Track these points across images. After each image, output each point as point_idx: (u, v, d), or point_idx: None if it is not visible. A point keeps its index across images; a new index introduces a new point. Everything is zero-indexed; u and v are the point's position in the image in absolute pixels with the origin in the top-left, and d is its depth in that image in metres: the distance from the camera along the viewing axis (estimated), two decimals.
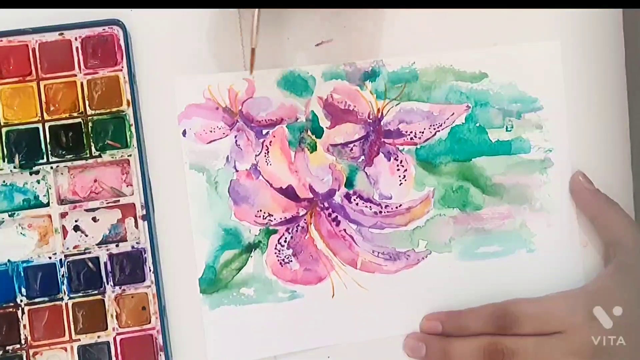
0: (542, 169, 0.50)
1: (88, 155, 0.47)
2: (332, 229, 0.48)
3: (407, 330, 0.48)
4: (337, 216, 0.48)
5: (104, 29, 0.47)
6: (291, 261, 0.48)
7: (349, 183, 0.49)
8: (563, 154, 0.50)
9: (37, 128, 0.46)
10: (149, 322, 0.47)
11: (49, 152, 0.46)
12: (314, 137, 0.48)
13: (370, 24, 0.48)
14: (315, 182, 0.48)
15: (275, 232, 0.48)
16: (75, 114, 0.47)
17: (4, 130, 0.46)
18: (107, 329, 0.47)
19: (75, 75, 0.47)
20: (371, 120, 0.49)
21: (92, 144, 0.47)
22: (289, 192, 0.48)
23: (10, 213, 0.46)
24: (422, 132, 0.49)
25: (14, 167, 0.46)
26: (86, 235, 0.47)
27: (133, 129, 0.47)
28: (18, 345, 0.46)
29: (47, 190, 0.47)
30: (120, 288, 0.47)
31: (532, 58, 0.50)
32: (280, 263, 0.48)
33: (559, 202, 0.50)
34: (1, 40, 0.46)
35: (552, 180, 0.50)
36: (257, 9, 0.43)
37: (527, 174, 0.49)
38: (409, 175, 0.49)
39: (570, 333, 0.45)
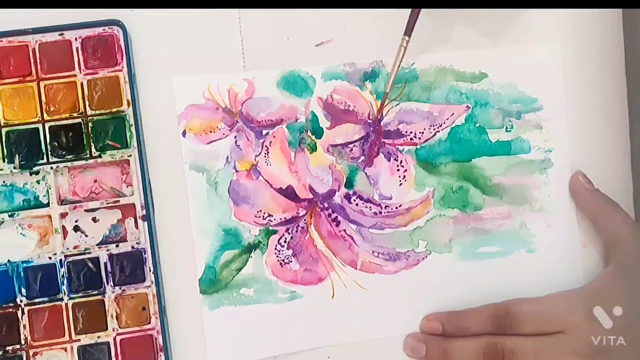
0: (542, 169, 0.50)
1: (88, 156, 0.47)
2: (332, 229, 0.48)
3: (407, 331, 0.48)
4: (337, 216, 0.48)
5: (104, 29, 0.47)
6: (291, 261, 0.48)
7: (349, 183, 0.49)
8: (563, 154, 0.50)
9: (37, 128, 0.46)
10: (149, 323, 0.47)
11: (49, 153, 0.46)
12: (313, 137, 0.48)
13: (370, 24, 0.48)
14: (315, 183, 0.48)
15: (275, 232, 0.48)
16: (75, 114, 0.47)
17: (4, 130, 0.46)
18: (107, 329, 0.47)
19: (75, 76, 0.47)
20: (371, 121, 0.49)
21: (92, 144, 0.47)
22: (288, 193, 0.48)
23: (10, 213, 0.46)
24: (422, 133, 0.49)
25: (14, 168, 0.46)
26: (86, 236, 0.47)
27: (133, 129, 0.47)
28: (18, 346, 0.46)
29: (47, 191, 0.47)
30: (120, 288, 0.47)
31: (532, 58, 0.50)
32: (280, 263, 0.48)
33: (559, 202, 0.50)
34: (1, 41, 0.46)
35: (552, 181, 0.50)
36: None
37: (527, 174, 0.49)
38: (409, 176, 0.49)
39: (570, 333, 0.45)
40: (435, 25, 0.49)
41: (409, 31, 0.46)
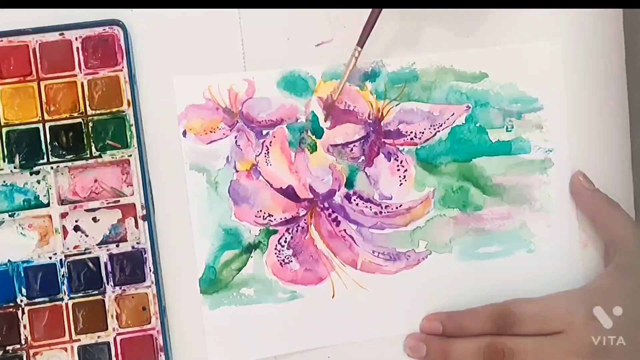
0: (543, 169, 0.50)
1: (88, 156, 0.47)
2: (332, 229, 0.48)
3: (407, 331, 0.48)
4: (337, 216, 0.48)
5: (104, 29, 0.47)
6: (291, 261, 0.48)
7: (349, 183, 0.49)
8: (563, 154, 0.50)
9: (38, 128, 0.46)
10: (149, 323, 0.47)
11: (50, 152, 0.46)
12: (314, 137, 0.48)
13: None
14: (316, 183, 0.48)
15: (275, 232, 0.48)
16: (75, 114, 0.47)
17: (4, 130, 0.46)
18: (107, 329, 0.47)
19: (76, 76, 0.47)
20: (371, 121, 0.49)
21: (92, 144, 0.47)
22: (289, 193, 0.48)
23: (10, 213, 0.46)
24: (422, 133, 0.49)
25: (15, 167, 0.46)
26: (86, 236, 0.47)
27: (133, 129, 0.47)
28: (18, 346, 0.46)
29: (48, 191, 0.47)
30: (120, 288, 0.47)
31: (532, 58, 0.49)
32: (281, 263, 0.48)
33: (559, 202, 0.50)
34: (1, 40, 0.46)
35: (552, 181, 0.50)
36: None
37: (528, 174, 0.49)
38: (409, 176, 0.49)
39: (570, 333, 0.45)
40: (435, 25, 0.49)
41: (361, 42, 0.46)
